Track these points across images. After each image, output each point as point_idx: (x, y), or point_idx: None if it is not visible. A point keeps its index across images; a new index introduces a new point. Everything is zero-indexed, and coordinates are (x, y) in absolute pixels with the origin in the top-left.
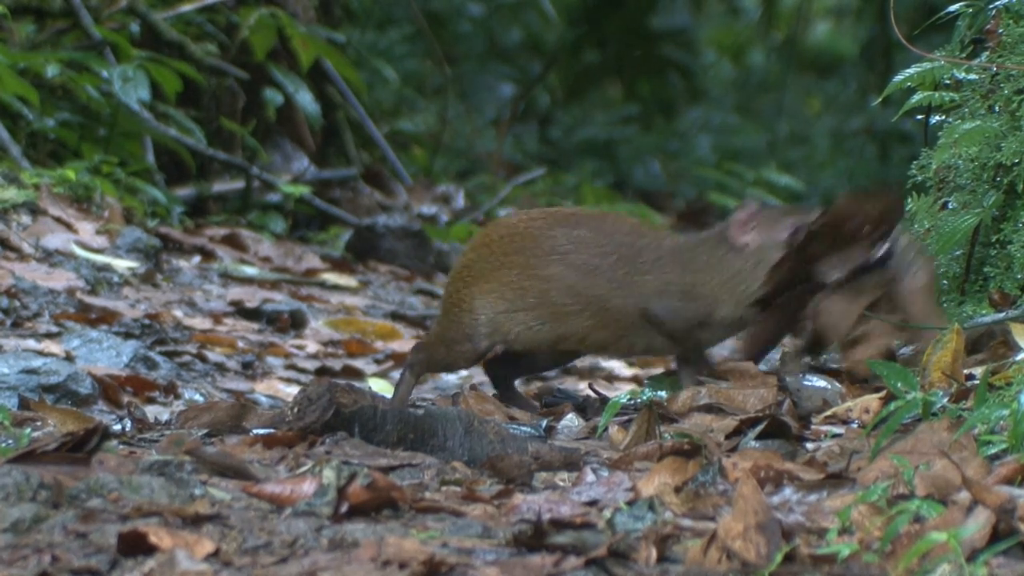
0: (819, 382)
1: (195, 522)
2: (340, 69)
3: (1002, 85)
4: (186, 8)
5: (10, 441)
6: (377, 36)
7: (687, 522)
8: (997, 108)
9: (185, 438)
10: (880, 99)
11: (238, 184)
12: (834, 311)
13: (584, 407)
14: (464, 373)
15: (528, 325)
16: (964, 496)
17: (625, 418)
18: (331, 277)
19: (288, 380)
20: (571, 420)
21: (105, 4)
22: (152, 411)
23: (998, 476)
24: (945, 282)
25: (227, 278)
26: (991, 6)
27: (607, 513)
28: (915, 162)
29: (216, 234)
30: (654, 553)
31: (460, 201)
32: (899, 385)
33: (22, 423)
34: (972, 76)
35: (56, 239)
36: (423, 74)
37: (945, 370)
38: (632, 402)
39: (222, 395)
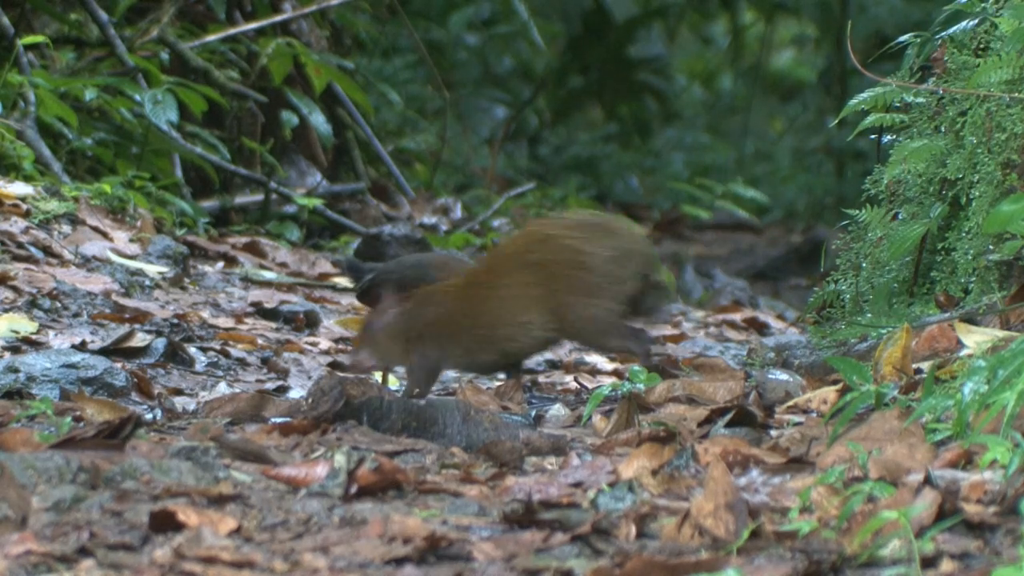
0: (782, 375)
1: (219, 502)
2: (350, 93)
3: (947, 108)
4: (211, 38)
5: (52, 429)
6: (383, 63)
7: (663, 502)
8: (943, 128)
9: (210, 426)
10: (837, 120)
11: (258, 197)
12: None
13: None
14: None
15: None
16: (913, 478)
17: (607, 408)
18: (342, 281)
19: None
20: (558, 410)
21: (138, 34)
22: (180, 402)
23: (943, 460)
24: (895, 285)
25: (248, 282)
26: (937, 36)
27: (591, 494)
28: (868, 177)
29: (238, 242)
30: (633, 530)
31: (458, 212)
32: (854, 378)
33: (63, 413)
34: (920, 100)
35: (93, 246)
36: (424, 98)
37: (896, 365)
38: (613, 393)
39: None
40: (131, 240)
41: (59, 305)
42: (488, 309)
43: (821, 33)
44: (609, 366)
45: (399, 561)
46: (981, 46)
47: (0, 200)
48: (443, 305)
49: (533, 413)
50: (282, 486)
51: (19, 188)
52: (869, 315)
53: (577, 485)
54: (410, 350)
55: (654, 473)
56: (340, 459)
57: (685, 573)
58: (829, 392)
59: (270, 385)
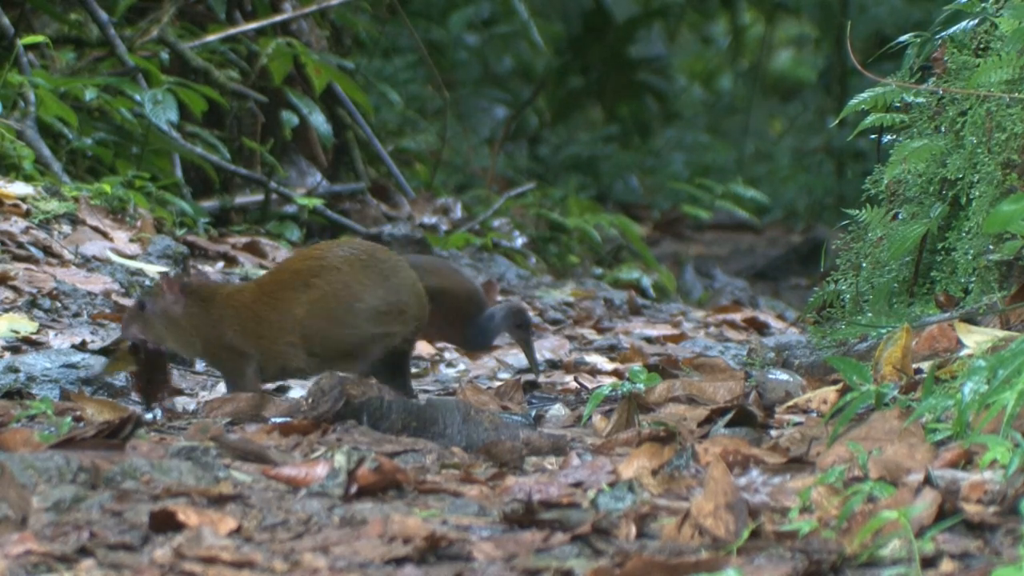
0: (782, 375)
1: (219, 502)
2: (350, 93)
3: (947, 108)
4: (211, 38)
5: (52, 429)
6: (383, 63)
7: (663, 502)
8: (943, 128)
9: (210, 426)
10: (837, 120)
11: (258, 197)
12: None
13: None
14: (461, 367)
15: None
16: (913, 478)
17: (607, 408)
18: None
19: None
20: (558, 410)
21: (138, 34)
22: (180, 402)
23: (943, 460)
24: (895, 285)
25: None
26: (937, 36)
27: (591, 494)
28: (869, 177)
29: (238, 242)
30: (633, 530)
31: (458, 212)
32: (854, 378)
33: (63, 413)
34: (920, 100)
35: (93, 246)
36: (424, 98)
37: (896, 365)
38: (613, 393)
39: None
40: (131, 240)
41: (59, 305)
42: (269, 323)
43: (821, 33)
44: (609, 366)
45: (399, 561)
46: (981, 46)
47: (0, 200)
48: (239, 313)
49: (533, 413)
50: (282, 486)
51: (19, 188)
52: (869, 315)
53: (577, 485)
54: (209, 349)
55: (654, 473)
56: (340, 459)
57: (685, 573)
58: (829, 392)
59: (270, 385)
